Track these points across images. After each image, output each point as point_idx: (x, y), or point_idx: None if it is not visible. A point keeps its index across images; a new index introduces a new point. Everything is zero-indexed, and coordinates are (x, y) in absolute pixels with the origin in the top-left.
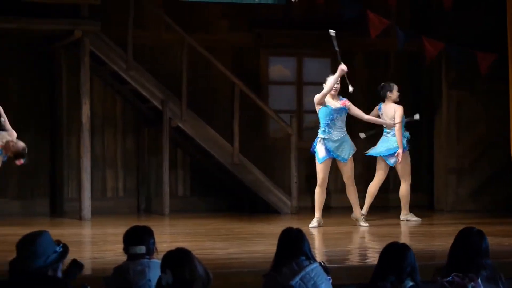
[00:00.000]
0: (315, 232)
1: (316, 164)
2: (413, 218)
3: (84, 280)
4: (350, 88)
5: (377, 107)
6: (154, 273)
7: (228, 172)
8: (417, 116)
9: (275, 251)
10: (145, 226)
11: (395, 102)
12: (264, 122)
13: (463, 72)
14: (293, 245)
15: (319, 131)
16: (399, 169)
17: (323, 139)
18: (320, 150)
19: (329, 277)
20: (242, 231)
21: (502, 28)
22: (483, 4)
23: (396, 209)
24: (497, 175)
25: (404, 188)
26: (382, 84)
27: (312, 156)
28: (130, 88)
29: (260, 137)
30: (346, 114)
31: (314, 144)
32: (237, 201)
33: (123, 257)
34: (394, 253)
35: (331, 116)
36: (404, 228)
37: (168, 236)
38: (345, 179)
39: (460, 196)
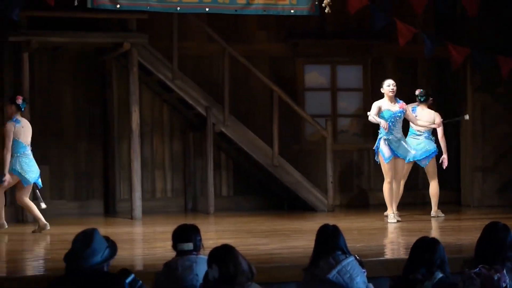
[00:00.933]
0: (352, 227)
1: (382, 163)
2: (441, 215)
3: (136, 275)
4: (466, 117)
5: (411, 109)
6: (201, 268)
7: (268, 173)
8: (467, 117)
9: (313, 246)
10: (192, 224)
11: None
12: (301, 126)
13: (487, 76)
14: (330, 241)
15: (381, 132)
16: (430, 170)
17: (386, 139)
18: (385, 151)
19: (364, 270)
20: (282, 228)
21: None
22: (506, 11)
23: (424, 206)
24: None
25: (436, 187)
26: (422, 90)
27: (346, 158)
28: (176, 96)
29: (297, 140)
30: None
31: (377, 144)
32: (276, 200)
33: (172, 254)
34: (425, 247)
35: (392, 119)
36: (433, 223)
37: (213, 233)
38: (402, 177)
39: (485, 193)
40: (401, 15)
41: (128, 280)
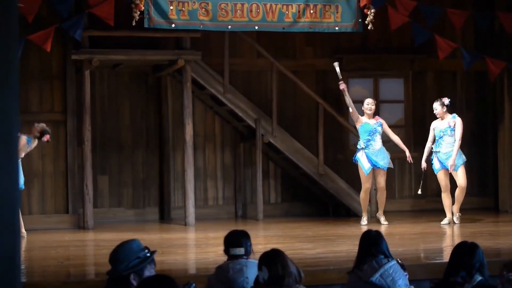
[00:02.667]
0: (394, 233)
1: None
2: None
3: (190, 279)
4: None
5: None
6: (251, 271)
7: (314, 181)
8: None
9: (357, 250)
10: (242, 230)
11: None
12: (345, 136)
13: None
14: (373, 245)
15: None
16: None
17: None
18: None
19: (406, 273)
20: (327, 233)
21: None
22: None
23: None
24: None
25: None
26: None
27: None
28: (227, 109)
29: (341, 150)
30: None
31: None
32: (322, 206)
33: (223, 258)
34: (464, 251)
35: (439, 134)
36: (472, 228)
37: (262, 238)
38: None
39: None
40: (441, 31)
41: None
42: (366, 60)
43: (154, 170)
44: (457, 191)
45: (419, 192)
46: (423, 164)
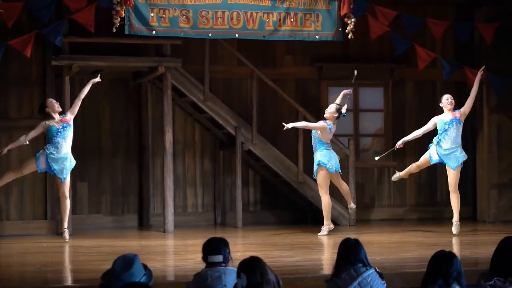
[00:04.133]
0: (373, 241)
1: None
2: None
3: (168, 286)
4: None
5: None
6: (229, 279)
7: (293, 189)
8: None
9: (335, 259)
10: (221, 237)
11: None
12: None
13: (503, 98)
14: (351, 254)
15: (434, 138)
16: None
17: (436, 145)
18: (433, 152)
19: (383, 282)
20: (306, 241)
21: None
22: None
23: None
24: None
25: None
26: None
27: (367, 175)
28: (207, 117)
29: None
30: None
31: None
32: (301, 214)
33: (202, 265)
34: (442, 260)
35: (444, 127)
36: (450, 237)
37: (241, 246)
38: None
39: (501, 209)
40: (421, 41)
41: None
42: (346, 69)
43: (134, 177)
44: (453, 201)
45: (376, 158)
46: (399, 143)
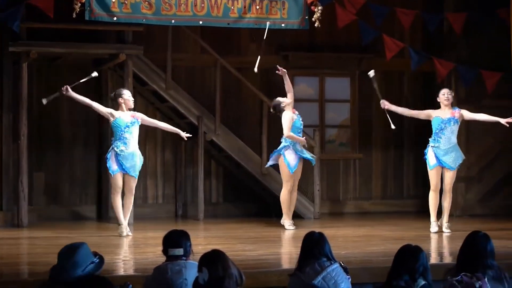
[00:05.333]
0: (338, 235)
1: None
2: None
3: (127, 279)
4: (392, 126)
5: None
6: (190, 273)
7: (256, 180)
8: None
9: (299, 252)
10: (182, 230)
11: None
12: None
13: (472, 89)
14: (316, 247)
15: (430, 139)
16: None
17: (433, 147)
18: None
19: (348, 276)
20: (270, 235)
21: (507, 48)
22: (491, 28)
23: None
24: (503, 183)
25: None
26: None
27: (333, 167)
28: (169, 106)
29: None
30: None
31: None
32: (265, 207)
33: (162, 258)
34: (408, 254)
35: (440, 126)
36: (416, 231)
37: (203, 239)
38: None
39: (468, 202)
40: (389, 30)
41: None
42: (312, 58)
43: (92, 167)
44: (445, 201)
45: (393, 126)
46: (385, 103)
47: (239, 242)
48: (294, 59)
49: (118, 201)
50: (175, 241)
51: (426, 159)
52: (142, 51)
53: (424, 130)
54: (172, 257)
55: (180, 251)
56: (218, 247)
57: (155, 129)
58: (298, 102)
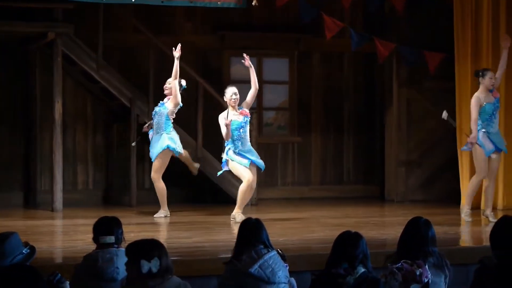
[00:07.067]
0: (275, 221)
1: (480, 157)
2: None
3: (55, 268)
4: (454, 124)
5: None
6: (122, 261)
7: None
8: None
9: (235, 240)
10: (113, 217)
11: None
12: None
13: (413, 71)
14: (252, 234)
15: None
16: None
17: (485, 132)
18: (487, 143)
19: (286, 264)
20: (205, 221)
21: (449, 29)
22: (433, 8)
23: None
24: (444, 167)
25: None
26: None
27: (271, 151)
28: (100, 87)
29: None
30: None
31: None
32: (200, 193)
33: (92, 246)
34: (347, 241)
35: (492, 111)
36: (356, 217)
37: (135, 226)
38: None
39: (409, 187)
40: (329, 10)
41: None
42: (250, 38)
43: (19, 151)
44: (491, 188)
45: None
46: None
47: (174, 229)
48: (230, 39)
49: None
50: (106, 228)
51: (481, 145)
52: (72, 29)
53: (364, 114)
54: (103, 245)
55: (111, 239)
56: (152, 234)
57: (85, 112)
58: (235, 83)
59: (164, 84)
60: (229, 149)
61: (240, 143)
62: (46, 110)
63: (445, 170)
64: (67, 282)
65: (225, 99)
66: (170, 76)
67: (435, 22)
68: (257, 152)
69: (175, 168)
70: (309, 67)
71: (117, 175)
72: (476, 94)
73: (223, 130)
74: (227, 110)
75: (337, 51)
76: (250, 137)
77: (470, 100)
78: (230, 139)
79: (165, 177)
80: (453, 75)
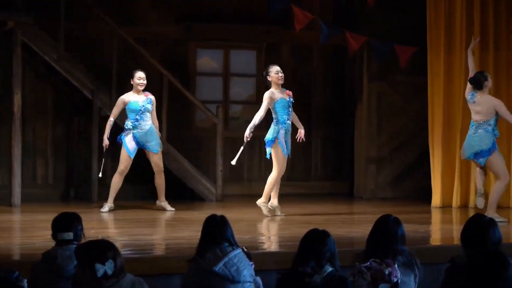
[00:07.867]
0: (241, 218)
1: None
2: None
3: (13, 266)
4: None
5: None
6: None
7: None
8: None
9: (199, 237)
10: (73, 213)
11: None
12: (191, 112)
13: (384, 65)
14: (217, 232)
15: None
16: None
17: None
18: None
19: (251, 263)
20: (168, 218)
21: (422, 23)
22: (405, 0)
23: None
24: (415, 164)
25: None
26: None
27: (237, 146)
28: (61, 78)
29: (187, 127)
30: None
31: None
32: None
33: (51, 243)
34: (314, 239)
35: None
36: (323, 215)
37: (96, 222)
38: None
39: (379, 184)
40: (298, 1)
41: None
42: (217, 29)
43: None
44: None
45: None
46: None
47: (136, 226)
48: (197, 31)
49: None
50: (65, 224)
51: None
52: (32, 19)
53: (333, 108)
54: (62, 242)
55: (70, 235)
56: (113, 231)
57: (45, 104)
58: (200, 76)
59: (130, 76)
60: (280, 128)
61: (289, 122)
62: (4, 102)
63: (416, 167)
64: (25, 280)
65: (268, 78)
66: (134, 68)
67: (407, 14)
68: (223, 147)
69: (139, 163)
70: (278, 60)
71: (78, 169)
72: (496, 98)
73: (261, 111)
74: (270, 89)
75: (307, 43)
76: (215, 131)
77: (446, 96)
78: (279, 118)
79: (129, 173)
80: (426, 70)
